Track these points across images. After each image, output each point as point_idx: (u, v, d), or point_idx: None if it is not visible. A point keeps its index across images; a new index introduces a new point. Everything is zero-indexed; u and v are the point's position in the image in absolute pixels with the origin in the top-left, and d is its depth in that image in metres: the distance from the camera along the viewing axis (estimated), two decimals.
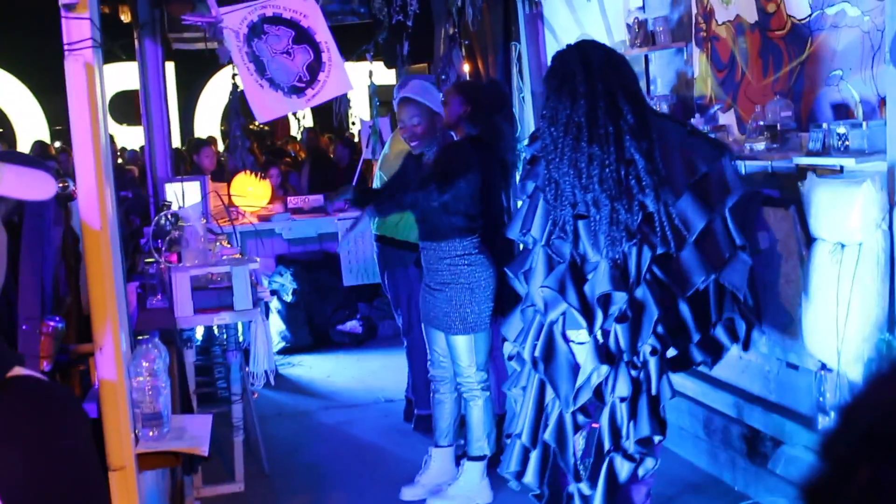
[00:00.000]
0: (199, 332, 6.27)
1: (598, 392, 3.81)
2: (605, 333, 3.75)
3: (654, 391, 3.73)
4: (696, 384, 5.08)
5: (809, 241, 4.13)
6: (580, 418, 3.90)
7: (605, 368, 3.73)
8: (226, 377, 5.59)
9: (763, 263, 4.38)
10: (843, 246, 3.94)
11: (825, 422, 4.12)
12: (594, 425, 3.85)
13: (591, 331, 3.74)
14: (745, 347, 3.94)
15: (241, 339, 5.59)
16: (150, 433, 3.10)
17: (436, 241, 4.85)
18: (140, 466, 2.96)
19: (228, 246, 5.81)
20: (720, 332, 3.84)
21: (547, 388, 3.93)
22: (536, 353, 3.89)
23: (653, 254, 3.66)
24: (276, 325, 7.96)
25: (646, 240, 3.65)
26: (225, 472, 5.24)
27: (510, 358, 4.19)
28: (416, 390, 5.89)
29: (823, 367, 4.13)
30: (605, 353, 3.73)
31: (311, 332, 8.19)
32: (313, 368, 7.71)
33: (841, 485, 0.56)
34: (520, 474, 4.05)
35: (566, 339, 3.87)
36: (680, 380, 5.16)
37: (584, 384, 3.77)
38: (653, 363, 3.71)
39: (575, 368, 3.83)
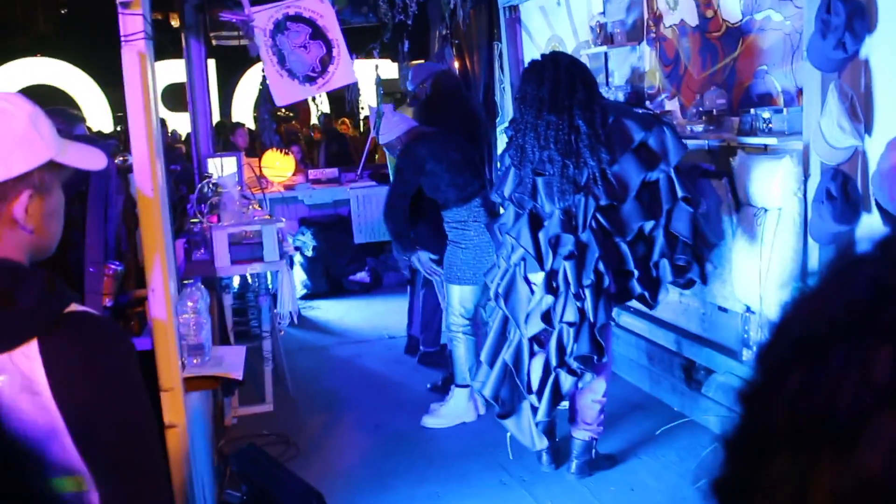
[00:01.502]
0: (236, 281, 6.24)
1: (549, 319, 3.88)
2: (555, 272, 3.83)
3: (592, 318, 3.77)
4: (644, 323, 5.09)
5: (739, 206, 4.12)
6: (535, 347, 4.01)
7: (549, 298, 3.85)
8: (257, 317, 5.57)
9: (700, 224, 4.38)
10: (766, 210, 3.93)
11: (749, 354, 4.13)
12: None
13: (543, 268, 3.85)
14: (704, 282, 4.01)
15: (269, 285, 5.57)
16: (194, 361, 3.09)
17: (441, 211, 4.92)
18: (186, 388, 2.95)
19: (259, 209, 5.78)
20: (665, 269, 3.88)
21: (509, 320, 4.04)
22: (500, 290, 4.02)
23: (597, 204, 3.75)
24: (299, 275, 7.95)
25: (590, 192, 3.74)
26: (257, 395, 5.26)
27: (488, 300, 4.27)
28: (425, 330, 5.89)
29: (748, 309, 4.14)
30: (551, 286, 3.85)
31: (327, 281, 8.17)
32: (329, 311, 7.70)
33: (774, 389, 0.55)
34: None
35: (527, 281, 3.96)
36: (630, 319, 5.20)
37: (533, 309, 3.91)
38: (588, 293, 3.77)
39: (529, 301, 3.95)
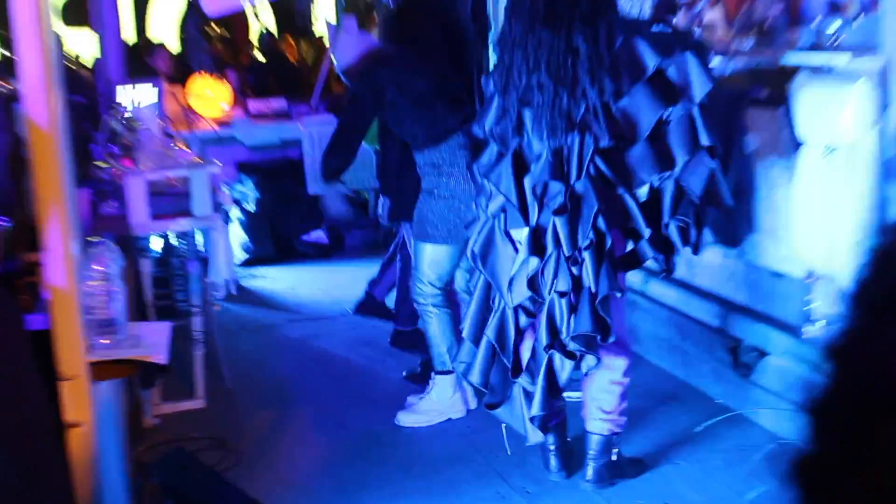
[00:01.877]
0: (157, 243, 6.17)
1: (537, 288, 3.87)
2: (542, 229, 3.81)
3: (592, 287, 3.74)
4: (677, 292, 5.07)
5: (798, 143, 4.09)
6: (523, 320, 3.99)
7: (535, 260, 3.81)
8: (185, 288, 5.51)
9: (748, 168, 4.34)
10: (834, 148, 3.90)
11: (812, 330, 4.11)
12: None
13: (527, 222, 3.83)
14: (695, 252, 3.97)
15: (200, 248, 5.51)
16: (104, 341, 3.04)
17: (413, 152, 4.88)
18: (94, 376, 2.91)
19: (186, 150, 5.70)
20: (673, 232, 3.86)
21: (492, 288, 4.03)
22: (476, 249, 4.00)
23: (596, 145, 3.71)
24: (238, 235, 7.89)
25: (588, 130, 3.71)
26: (185, 388, 5.20)
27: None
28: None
29: (811, 274, 4.13)
30: (537, 246, 3.82)
31: (274, 243, 8.13)
32: (277, 280, 7.67)
33: (878, 337, 0.55)
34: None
35: (508, 236, 3.95)
36: (660, 288, 5.18)
37: (518, 272, 3.87)
38: (588, 256, 3.73)
39: (513, 261, 3.93)
